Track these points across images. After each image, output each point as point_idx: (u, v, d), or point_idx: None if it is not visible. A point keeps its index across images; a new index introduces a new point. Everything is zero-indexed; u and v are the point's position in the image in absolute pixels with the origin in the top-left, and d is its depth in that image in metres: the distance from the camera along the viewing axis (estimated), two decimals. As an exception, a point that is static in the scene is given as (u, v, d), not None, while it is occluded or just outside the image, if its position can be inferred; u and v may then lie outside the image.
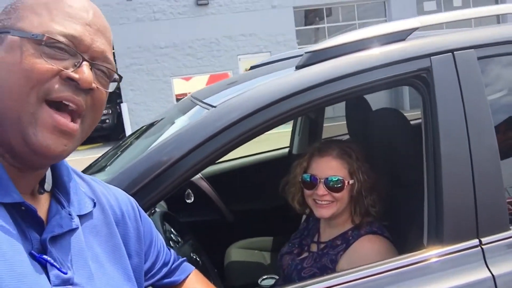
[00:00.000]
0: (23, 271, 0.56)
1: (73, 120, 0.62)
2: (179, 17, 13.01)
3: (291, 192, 1.53)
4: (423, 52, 1.22)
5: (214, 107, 1.23)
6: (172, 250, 0.98)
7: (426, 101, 1.22)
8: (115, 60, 0.70)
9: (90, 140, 9.15)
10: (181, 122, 1.47)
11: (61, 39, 0.61)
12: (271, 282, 1.79)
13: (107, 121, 12.71)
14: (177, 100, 12.92)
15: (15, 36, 0.61)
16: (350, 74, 1.19)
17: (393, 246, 1.38)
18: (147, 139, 1.73)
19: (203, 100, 1.40)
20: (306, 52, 1.30)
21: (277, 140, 3.24)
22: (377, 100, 1.88)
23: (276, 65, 1.81)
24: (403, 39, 1.27)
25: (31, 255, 0.60)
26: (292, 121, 2.80)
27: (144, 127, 2.07)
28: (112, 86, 0.69)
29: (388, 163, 1.57)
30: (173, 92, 13.26)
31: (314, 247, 1.52)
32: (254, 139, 1.21)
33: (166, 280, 0.91)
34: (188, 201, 2.30)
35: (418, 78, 1.22)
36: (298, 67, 1.27)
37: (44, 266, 0.60)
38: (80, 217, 0.70)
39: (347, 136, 2.04)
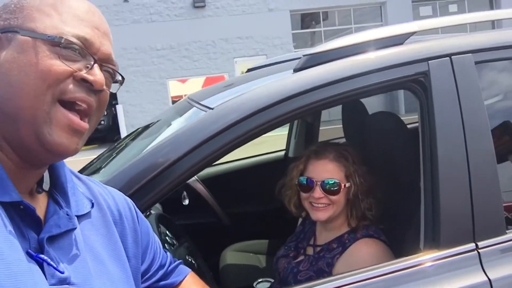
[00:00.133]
0: (19, 270, 0.56)
1: (81, 120, 0.65)
2: (176, 19, 13.02)
3: (287, 195, 1.53)
4: (420, 56, 1.22)
5: (212, 109, 1.22)
6: (168, 252, 0.97)
7: (424, 105, 1.22)
8: None
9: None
10: (178, 124, 1.47)
11: (76, 41, 0.63)
12: (266, 285, 1.79)
13: (102, 122, 12.65)
14: (173, 102, 12.91)
15: (26, 37, 0.61)
16: (348, 78, 1.19)
17: (390, 249, 1.38)
18: (143, 141, 1.73)
19: (200, 102, 1.40)
20: (304, 55, 1.30)
21: (273, 143, 3.24)
22: (372, 105, 1.88)
23: (273, 67, 1.82)
24: (401, 43, 1.27)
25: (28, 254, 0.59)
26: (288, 124, 2.80)
27: (140, 129, 2.06)
28: (115, 87, 0.72)
29: (385, 166, 1.57)
30: (169, 94, 13.25)
31: (310, 250, 1.52)
32: (250, 142, 1.21)
33: (162, 283, 0.91)
34: (184, 203, 2.30)
35: (416, 82, 1.22)
36: (296, 70, 1.27)
37: (41, 265, 0.60)
38: (78, 217, 0.70)
39: (343, 140, 2.04)
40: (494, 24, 9.28)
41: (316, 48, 1.29)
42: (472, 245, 1.16)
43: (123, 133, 12.03)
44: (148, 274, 0.88)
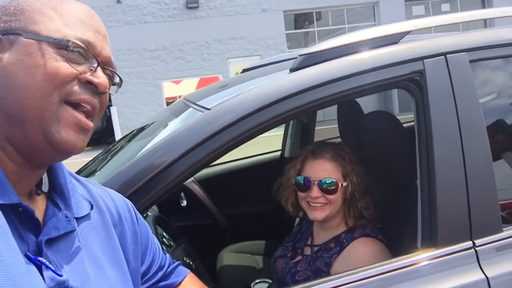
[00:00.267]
0: (18, 272, 0.55)
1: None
2: (169, 20, 12.98)
3: (284, 195, 1.53)
4: (416, 55, 1.23)
5: (208, 109, 1.22)
6: (167, 254, 0.97)
7: (419, 104, 1.23)
8: None
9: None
10: (174, 125, 1.46)
11: (81, 44, 0.64)
12: (264, 286, 1.78)
13: (97, 124, 12.55)
14: (167, 103, 12.88)
15: (30, 39, 0.62)
16: (344, 77, 1.19)
17: (387, 248, 1.38)
18: (139, 142, 1.72)
19: (197, 103, 1.39)
20: (300, 55, 1.30)
21: (269, 143, 3.24)
22: (366, 104, 1.89)
23: (269, 68, 1.82)
24: (396, 42, 1.27)
25: (26, 256, 0.59)
26: (284, 124, 2.80)
27: (135, 130, 2.05)
28: (113, 89, 0.73)
29: (381, 165, 1.58)
30: (163, 95, 13.21)
31: (307, 250, 1.52)
32: (246, 142, 1.20)
33: (162, 283, 0.91)
34: (182, 204, 2.29)
35: (411, 81, 1.23)
36: (292, 70, 1.27)
37: (39, 268, 0.60)
38: (77, 219, 0.70)
39: (339, 139, 2.05)
40: (486, 23, 9.34)
41: (312, 48, 1.30)
42: (469, 243, 1.17)
43: (118, 134, 11.99)
44: (148, 276, 0.88)
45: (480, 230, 1.18)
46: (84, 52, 0.64)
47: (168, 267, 0.94)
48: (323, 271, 1.38)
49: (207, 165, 1.18)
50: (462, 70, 1.22)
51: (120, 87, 0.74)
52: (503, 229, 1.20)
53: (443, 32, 1.52)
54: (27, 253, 0.59)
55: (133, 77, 12.86)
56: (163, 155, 1.12)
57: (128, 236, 0.80)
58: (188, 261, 1.54)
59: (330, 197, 1.39)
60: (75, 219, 0.69)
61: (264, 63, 2.00)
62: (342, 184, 1.40)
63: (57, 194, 0.70)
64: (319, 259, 1.42)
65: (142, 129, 1.94)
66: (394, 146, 1.54)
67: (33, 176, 0.67)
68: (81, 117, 0.64)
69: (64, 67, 0.62)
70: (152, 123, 1.89)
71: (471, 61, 1.24)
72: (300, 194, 1.45)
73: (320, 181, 1.39)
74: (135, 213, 0.86)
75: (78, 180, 0.78)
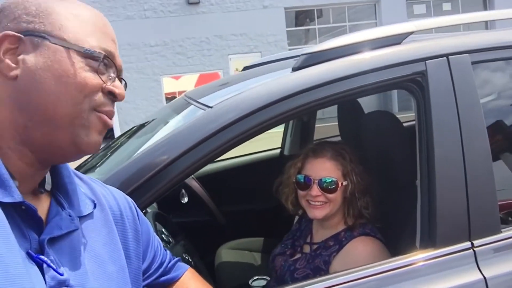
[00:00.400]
0: (16, 273, 0.55)
1: None
2: (170, 16, 12.94)
3: (284, 193, 1.53)
4: (418, 56, 1.23)
5: (210, 107, 1.22)
6: (167, 250, 0.98)
7: (421, 105, 1.23)
8: None
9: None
10: (175, 122, 1.46)
11: (108, 55, 0.66)
12: (262, 283, 1.79)
13: (96, 119, 12.54)
14: (167, 98, 12.85)
15: (58, 45, 0.63)
16: (346, 77, 1.19)
17: (386, 248, 1.39)
18: (140, 139, 1.72)
19: (198, 100, 1.40)
20: (302, 54, 1.30)
21: (268, 141, 3.24)
22: (366, 103, 1.89)
23: (270, 66, 1.82)
24: (399, 43, 1.28)
25: (28, 254, 0.59)
26: (285, 123, 2.80)
27: (136, 127, 2.05)
28: None
29: (381, 165, 1.58)
30: (162, 90, 13.17)
31: (306, 248, 1.52)
32: (247, 141, 1.21)
33: (163, 278, 0.92)
34: (182, 201, 2.29)
35: (413, 81, 1.23)
36: (294, 69, 1.28)
37: (40, 266, 0.60)
38: (80, 218, 0.70)
39: (338, 138, 2.05)
40: (487, 24, 9.34)
41: (315, 47, 1.30)
42: (467, 244, 1.17)
43: (117, 130, 11.96)
44: (149, 272, 0.89)
45: (479, 230, 1.18)
46: (108, 63, 0.66)
47: (169, 263, 0.95)
48: (322, 269, 1.39)
49: (209, 162, 1.18)
50: (464, 72, 1.23)
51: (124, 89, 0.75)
52: (502, 230, 1.21)
53: (445, 33, 1.52)
54: (29, 251, 0.59)
55: (133, 72, 12.83)
56: (165, 153, 1.12)
57: (130, 233, 0.81)
58: (187, 257, 1.55)
59: (330, 196, 1.40)
60: (78, 218, 0.69)
61: (266, 61, 2.00)
62: (342, 183, 1.41)
63: (61, 192, 0.70)
64: (318, 257, 1.42)
65: (142, 125, 1.94)
66: (394, 146, 1.55)
67: (38, 175, 0.67)
68: (107, 118, 0.67)
69: (92, 77, 0.64)
70: (152, 120, 1.89)
71: (473, 63, 1.24)
72: (300, 193, 1.46)
73: (320, 179, 1.40)
74: (136, 210, 0.86)
75: (80, 179, 0.78)
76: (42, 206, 0.67)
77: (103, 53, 0.65)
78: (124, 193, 0.87)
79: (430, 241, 1.18)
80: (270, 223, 2.22)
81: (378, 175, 1.54)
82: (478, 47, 1.27)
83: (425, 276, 1.15)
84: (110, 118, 0.68)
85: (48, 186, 0.70)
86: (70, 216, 0.68)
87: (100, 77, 0.65)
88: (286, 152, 2.76)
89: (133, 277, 0.78)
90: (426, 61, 1.22)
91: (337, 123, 2.06)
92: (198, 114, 1.23)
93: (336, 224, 1.47)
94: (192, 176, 2.57)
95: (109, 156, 1.76)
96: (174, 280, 0.94)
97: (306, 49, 1.34)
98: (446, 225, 1.18)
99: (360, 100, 1.82)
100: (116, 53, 0.69)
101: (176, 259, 0.98)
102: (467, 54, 1.24)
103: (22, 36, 0.62)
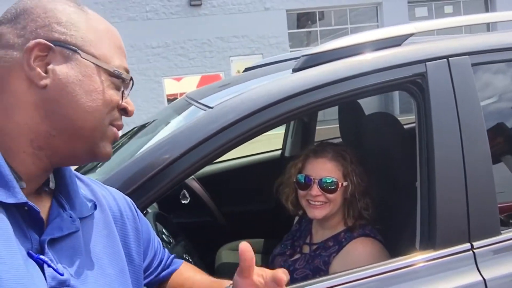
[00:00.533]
0: (19, 274, 0.56)
1: None
2: (172, 17, 12.97)
3: (285, 193, 1.54)
4: (418, 58, 1.23)
5: (211, 108, 1.23)
6: (165, 248, 0.99)
7: (421, 106, 1.24)
8: None
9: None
10: (176, 122, 1.47)
11: (129, 75, 0.71)
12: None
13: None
14: (168, 100, 12.86)
15: (89, 61, 0.65)
16: (346, 78, 1.20)
17: (385, 249, 1.39)
18: (141, 139, 1.72)
19: (199, 101, 1.40)
20: (303, 55, 1.31)
21: (269, 142, 3.24)
22: (367, 105, 1.90)
23: (271, 67, 1.82)
24: (399, 45, 1.28)
25: (29, 254, 0.59)
26: (285, 124, 2.81)
27: (136, 127, 2.06)
28: None
29: (382, 167, 1.58)
30: (164, 92, 13.19)
31: (306, 249, 1.53)
32: (248, 141, 1.21)
33: (163, 274, 0.94)
34: (183, 201, 2.30)
35: (413, 83, 1.23)
36: (295, 70, 1.28)
37: (41, 266, 0.60)
38: (81, 219, 0.70)
39: (339, 140, 2.05)
40: (489, 26, 9.33)
41: (315, 49, 1.30)
42: (467, 245, 1.17)
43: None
44: (150, 270, 0.90)
45: (479, 232, 1.18)
46: (128, 81, 0.71)
47: (167, 260, 0.97)
48: (322, 270, 1.39)
49: (209, 163, 1.19)
50: (464, 73, 1.23)
51: None
52: (502, 232, 1.21)
53: (446, 35, 1.53)
54: (30, 251, 0.60)
55: (135, 73, 12.79)
56: (165, 153, 1.13)
57: (130, 233, 0.81)
58: (187, 257, 1.55)
59: (330, 196, 1.40)
60: (79, 219, 0.69)
61: (267, 63, 2.01)
62: (342, 184, 1.41)
63: (62, 194, 0.70)
64: (318, 258, 1.42)
65: (143, 126, 1.95)
66: (394, 147, 1.55)
67: (44, 176, 0.68)
68: (118, 133, 0.72)
69: (115, 95, 0.69)
70: (153, 121, 1.89)
71: (473, 65, 1.24)
72: (301, 192, 1.46)
73: (321, 179, 1.40)
74: (136, 210, 0.87)
75: (81, 180, 0.78)
76: (44, 206, 0.67)
77: (129, 75, 0.70)
78: (123, 194, 0.87)
79: (429, 243, 1.18)
80: (271, 224, 2.22)
81: (378, 176, 1.54)
82: (478, 49, 1.28)
83: (425, 277, 1.15)
84: (119, 131, 0.72)
85: (52, 184, 0.70)
86: (71, 217, 0.68)
87: (119, 94, 0.69)
88: (287, 154, 2.77)
89: (135, 277, 0.79)
90: (426, 63, 1.22)
91: (338, 125, 2.07)
92: (199, 115, 1.23)
93: (336, 225, 1.47)
94: (193, 177, 2.58)
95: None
96: (172, 272, 0.96)
97: (306, 51, 1.34)
98: (445, 227, 1.18)
99: (362, 102, 1.83)
100: (127, 68, 0.72)
101: (172, 256, 1.00)
102: (467, 56, 1.24)
103: (53, 45, 0.63)
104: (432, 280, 1.14)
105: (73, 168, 0.76)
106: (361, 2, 13.66)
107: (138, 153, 1.23)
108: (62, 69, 0.63)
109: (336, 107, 1.96)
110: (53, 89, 0.62)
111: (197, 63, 13.17)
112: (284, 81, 1.24)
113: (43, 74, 0.62)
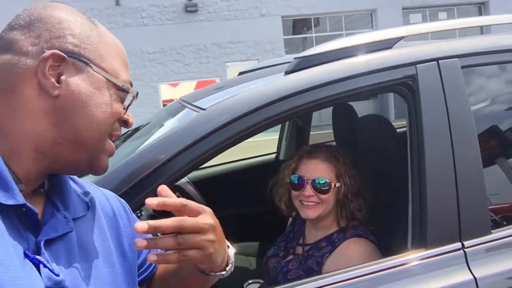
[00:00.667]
0: (16, 275, 0.56)
1: None
2: (168, 23, 13.01)
3: (278, 193, 1.55)
4: (409, 60, 1.25)
5: (204, 109, 1.24)
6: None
7: (411, 108, 1.25)
8: None
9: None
10: (170, 124, 1.48)
11: (135, 90, 0.72)
12: (256, 286, 1.79)
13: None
14: (164, 106, 12.86)
15: (100, 75, 0.67)
16: (338, 80, 1.22)
17: (378, 249, 1.40)
18: (134, 141, 1.73)
19: (193, 103, 1.41)
20: (295, 58, 1.33)
21: (264, 146, 3.26)
22: (363, 110, 1.91)
23: (265, 71, 1.84)
24: (390, 47, 1.30)
25: (25, 255, 0.60)
26: (279, 127, 2.82)
27: (130, 131, 2.06)
28: None
29: (374, 168, 1.60)
30: (160, 98, 13.21)
31: (299, 250, 1.53)
32: (240, 145, 1.22)
33: (156, 268, 0.94)
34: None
35: (404, 85, 1.25)
36: (287, 73, 1.30)
37: (37, 266, 0.61)
38: (75, 220, 0.71)
39: (333, 143, 2.07)
40: (482, 30, 9.41)
41: (307, 51, 1.32)
42: (458, 245, 1.19)
43: (114, 136, 11.92)
44: (144, 266, 0.90)
45: (469, 232, 1.20)
46: (135, 96, 0.72)
47: None
48: (315, 270, 1.40)
49: (203, 163, 1.20)
50: (454, 76, 1.25)
51: None
52: (492, 231, 1.22)
53: (439, 39, 1.55)
54: (26, 252, 0.60)
55: (131, 79, 12.80)
56: (159, 153, 1.14)
57: (124, 231, 0.82)
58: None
59: (323, 196, 1.42)
60: (72, 220, 0.70)
61: (260, 66, 2.02)
62: (335, 185, 1.43)
63: (56, 194, 0.71)
64: (311, 258, 1.43)
65: (137, 129, 1.96)
66: (387, 149, 1.57)
67: (41, 179, 0.69)
68: (114, 147, 0.73)
69: (120, 107, 0.70)
70: (147, 123, 1.90)
71: (463, 67, 1.26)
72: (294, 193, 1.47)
73: (314, 180, 1.42)
74: (129, 211, 0.88)
75: (74, 181, 0.79)
76: (38, 207, 0.67)
77: (135, 90, 0.72)
78: (116, 195, 0.88)
79: (421, 242, 1.19)
80: (266, 227, 2.23)
81: (371, 177, 1.55)
82: (468, 51, 1.30)
83: (417, 276, 1.16)
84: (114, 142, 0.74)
85: (46, 186, 0.71)
86: (65, 218, 0.68)
87: (123, 106, 0.71)
88: (281, 157, 2.78)
89: (129, 273, 0.79)
90: (417, 65, 1.24)
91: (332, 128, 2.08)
92: (192, 116, 1.24)
93: (328, 226, 1.48)
94: (188, 180, 2.58)
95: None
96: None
97: (298, 53, 1.36)
98: (437, 226, 1.19)
99: (357, 108, 1.85)
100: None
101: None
102: (457, 59, 1.26)
103: (66, 57, 0.64)
104: (423, 279, 1.15)
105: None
106: (356, 8, 13.77)
107: (132, 154, 1.24)
108: (74, 81, 0.64)
109: (331, 111, 1.98)
110: (65, 99, 0.64)
111: (193, 68, 13.21)
112: (277, 83, 1.25)
113: (57, 84, 0.63)
